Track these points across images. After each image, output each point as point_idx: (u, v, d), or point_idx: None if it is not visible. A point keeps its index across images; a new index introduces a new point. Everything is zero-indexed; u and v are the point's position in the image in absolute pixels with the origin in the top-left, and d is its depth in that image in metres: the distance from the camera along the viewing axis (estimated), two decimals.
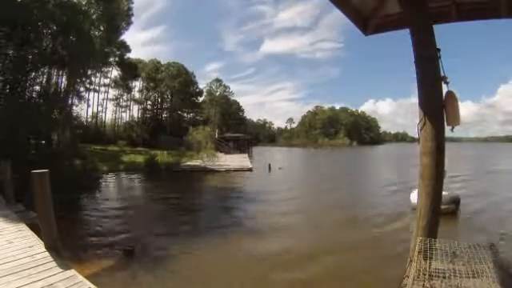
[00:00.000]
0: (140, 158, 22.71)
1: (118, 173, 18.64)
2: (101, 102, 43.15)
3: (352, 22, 3.56)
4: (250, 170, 20.84)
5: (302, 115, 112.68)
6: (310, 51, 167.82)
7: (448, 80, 2.81)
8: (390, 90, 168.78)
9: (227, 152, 34.93)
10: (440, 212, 2.86)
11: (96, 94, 41.17)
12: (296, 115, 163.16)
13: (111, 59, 35.64)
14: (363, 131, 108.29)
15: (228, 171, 19.92)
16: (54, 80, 16.02)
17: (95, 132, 37.99)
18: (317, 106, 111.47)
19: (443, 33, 3.20)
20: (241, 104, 78.47)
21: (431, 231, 2.73)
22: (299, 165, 31.26)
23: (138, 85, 48.32)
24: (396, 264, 3.95)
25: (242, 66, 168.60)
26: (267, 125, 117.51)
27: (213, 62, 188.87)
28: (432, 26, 2.88)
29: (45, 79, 15.01)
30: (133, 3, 29.75)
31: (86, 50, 14.83)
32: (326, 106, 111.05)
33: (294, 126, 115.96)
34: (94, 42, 17.68)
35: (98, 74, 37.67)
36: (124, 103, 46.98)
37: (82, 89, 20.35)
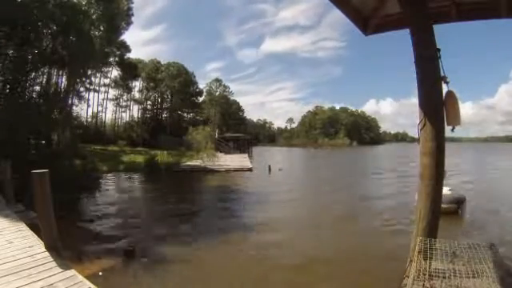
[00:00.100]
0: (140, 158, 22.71)
1: (118, 173, 18.63)
2: (101, 102, 43.34)
3: (352, 21, 3.55)
4: (249, 170, 20.85)
5: (302, 115, 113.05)
6: (312, 50, 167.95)
7: (448, 80, 2.80)
8: (392, 90, 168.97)
9: (227, 152, 34.92)
10: (440, 212, 2.85)
11: (96, 94, 41.35)
12: (296, 115, 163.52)
13: (111, 59, 35.63)
14: (363, 131, 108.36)
15: (228, 171, 19.92)
16: (54, 80, 16.01)
17: (95, 132, 38.00)
18: (317, 106, 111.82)
19: (443, 33, 3.20)
20: (241, 104, 78.85)
21: (431, 231, 2.72)
22: (299, 166, 31.21)
23: (138, 85, 48.50)
24: (396, 264, 3.95)
25: (242, 66, 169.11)
26: (267, 125, 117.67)
27: (213, 61, 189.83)
28: (432, 26, 2.87)
29: (45, 79, 15.00)
30: (133, 3, 29.89)
31: (86, 49, 14.81)
32: (327, 106, 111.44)
33: (294, 126, 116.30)
34: (94, 42, 17.65)
35: (98, 74, 37.68)
36: (124, 103, 47.13)
37: (82, 89, 20.32)
